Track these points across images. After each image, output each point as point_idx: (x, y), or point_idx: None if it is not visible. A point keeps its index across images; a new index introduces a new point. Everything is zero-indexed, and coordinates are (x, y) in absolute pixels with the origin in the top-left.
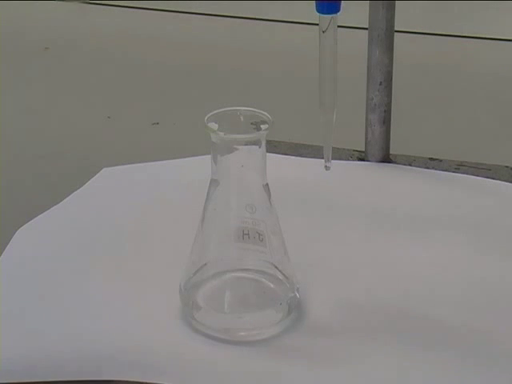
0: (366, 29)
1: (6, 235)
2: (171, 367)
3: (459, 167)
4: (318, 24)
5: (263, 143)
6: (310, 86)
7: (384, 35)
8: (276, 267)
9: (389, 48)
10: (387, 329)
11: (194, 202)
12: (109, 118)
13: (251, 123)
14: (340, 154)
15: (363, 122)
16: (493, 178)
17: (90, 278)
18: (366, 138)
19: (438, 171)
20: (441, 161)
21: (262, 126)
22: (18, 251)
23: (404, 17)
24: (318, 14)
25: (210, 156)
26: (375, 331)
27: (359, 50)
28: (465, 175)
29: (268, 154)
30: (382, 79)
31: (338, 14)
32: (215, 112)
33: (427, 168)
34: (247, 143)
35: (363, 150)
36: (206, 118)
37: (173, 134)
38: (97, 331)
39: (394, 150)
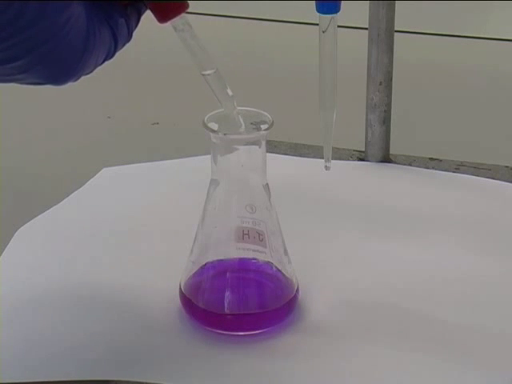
0: (366, 29)
1: (6, 235)
2: (171, 367)
3: (459, 167)
4: (318, 24)
5: (263, 143)
6: (310, 86)
7: (384, 35)
8: (276, 267)
9: (389, 48)
10: (387, 329)
11: (194, 202)
12: (109, 118)
13: (251, 123)
14: (340, 154)
15: (363, 122)
16: (493, 178)
17: (89, 278)
18: (366, 138)
19: (438, 171)
20: (441, 161)
21: (261, 126)
22: (17, 251)
23: (404, 17)
24: (318, 13)
25: (210, 156)
26: (375, 331)
27: (359, 50)
28: (465, 175)
29: (268, 153)
30: (382, 79)
31: (338, 14)
32: (215, 112)
33: (427, 168)
34: (247, 143)
35: (363, 150)
36: (205, 118)
37: (173, 134)
38: (97, 331)
39: (393, 150)
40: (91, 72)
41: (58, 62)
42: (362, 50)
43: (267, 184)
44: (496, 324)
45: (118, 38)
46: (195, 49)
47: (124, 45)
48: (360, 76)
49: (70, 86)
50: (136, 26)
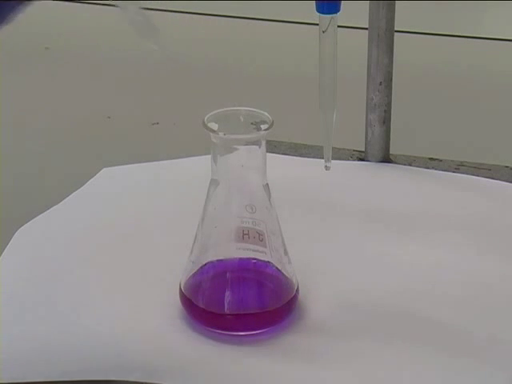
0: (366, 29)
1: (6, 235)
2: (171, 367)
3: (459, 167)
4: (318, 24)
5: (263, 143)
6: (310, 85)
7: (384, 35)
8: (276, 267)
9: (389, 48)
10: (387, 329)
11: (194, 201)
12: (109, 118)
13: (251, 123)
14: (340, 154)
15: (363, 122)
16: (493, 178)
17: (89, 278)
18: (366, 138)
19: (438, 171)
20: (441, 161)
21: (261, 126)
22: (18, 251)
23: (404, 17)
24: (318, 13)
25: (210, 156)
26: (375, 331)
27: (359, 50)
28: (465, 175)
29: (268, 153)
30: (382, 79)
31: (338, 14)
32: (215, 112)
33: (427, 168)
34: (247, 143)
35: (363, 150)
36: (205, 117)
37: (173, 134)
38: (97, 331)
39: (393, 150)
40: (16, 12)
41: None
42: (362, 50)
43: (267, 184)
44: (496, 324)
45: None
46: None
47: None
48: (360, 76)
49: (69, 86)
50: None
